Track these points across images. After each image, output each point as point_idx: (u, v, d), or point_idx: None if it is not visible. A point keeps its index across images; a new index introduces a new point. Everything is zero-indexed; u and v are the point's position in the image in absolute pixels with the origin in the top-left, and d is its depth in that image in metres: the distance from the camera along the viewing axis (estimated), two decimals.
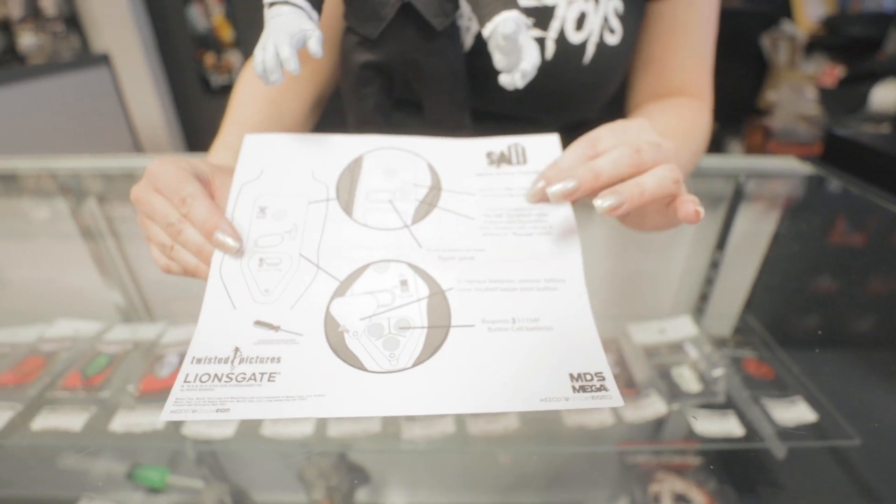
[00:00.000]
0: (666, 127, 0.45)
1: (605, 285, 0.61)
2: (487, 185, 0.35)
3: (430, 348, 0.27)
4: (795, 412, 0.47)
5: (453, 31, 0.38)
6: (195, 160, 0.35)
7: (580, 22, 0.46)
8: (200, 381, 0.26)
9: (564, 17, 0.46)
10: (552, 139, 0.37)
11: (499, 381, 0.26)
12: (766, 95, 2.33)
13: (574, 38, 0.46)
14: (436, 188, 0.35)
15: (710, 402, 0.48)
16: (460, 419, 0.46)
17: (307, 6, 0.31)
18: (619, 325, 0.54)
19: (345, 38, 0.39)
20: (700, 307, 0.58)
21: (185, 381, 0.26)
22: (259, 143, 0.36)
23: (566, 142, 0.60)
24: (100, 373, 0.53)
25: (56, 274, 0.64)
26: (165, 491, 0.44)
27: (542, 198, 0.32)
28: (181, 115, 2.59)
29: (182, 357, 0.55)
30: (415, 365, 0.27)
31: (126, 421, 0.47)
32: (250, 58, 0.41)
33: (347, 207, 0.34)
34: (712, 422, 0.46)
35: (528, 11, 0.46)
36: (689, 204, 0.29)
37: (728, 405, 0.48)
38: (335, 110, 0.49)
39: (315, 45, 0.30)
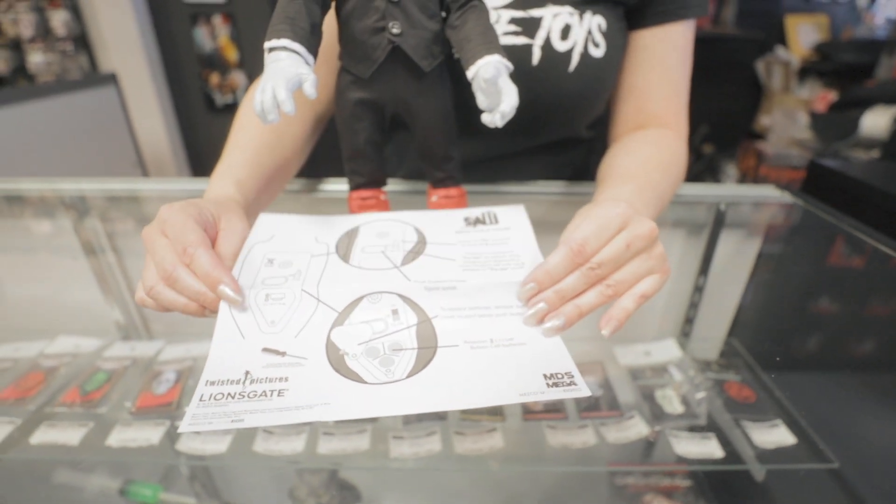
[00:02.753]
0: (647, 160, 0.48)
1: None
2: (466, 238, 0.40)
3: (421, 363, 0.31)
4: (776, 435, 0.48)
5: (441, 72, 0.41)
6: (204, 202, 0.37)
7: (565, 32, 0.49)
8: (215, 399, 0.28)
9: (550, 27, 0.49)
10: (520, 209, 0.43)
11: (482, 383, 0.29)
12: (761, 120, 2.37)
13: (559, 46, 0.50)
14: (421, 242, 0.40)
15: (693, 425, 0.50)
16: (447, 438, 0.47)
17: (304, 51, 0.33)
18: (604, 347, 0.56)
19: (340, 77, 0.41)
20: (684, 330, 0.59)
21: (200, 400, 0.28)
22: (271, 220, 0.41)
23: (556, 162, 0.63)
24: (98, 389, 0.54)
25: (58, 291, 0.66)
26: None
27: (531, 297, 0.34)
28: (185, 132, 2.64)
29: (179, 374, 0.57)
30: (408, 377, 0.30)
31: (122, 436, 0.49)
32: (255, 81, 0.44)
33: (345, 257, 0.38)
34: (694, 443, 0.47)
35: (517, 21, 0.49)
36: (609, 322, 0.33)
37: (710, 427, 0.49)
38: (331, 142, 0.52)
39: (310, 89, 0.32)
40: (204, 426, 0.27)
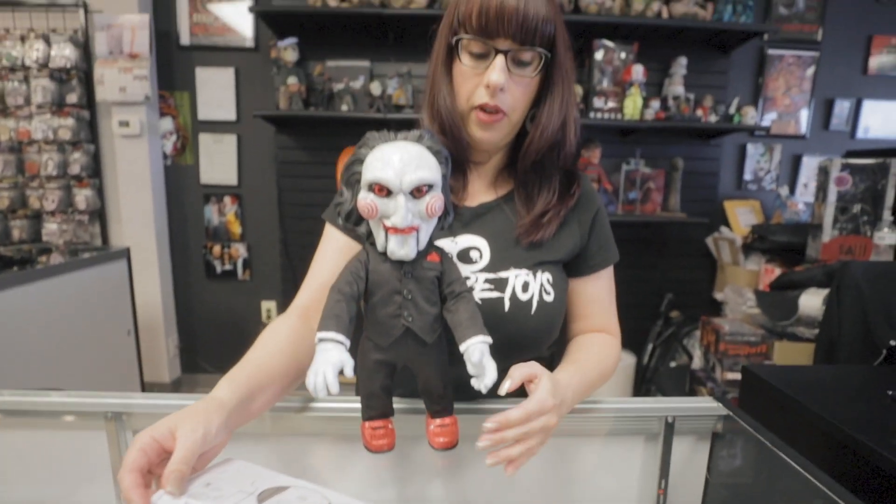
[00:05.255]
0: (588, 356, 0.70)
1: None
2: None
3: None
4: None
5: (440, 341, 0.54)
6: (170, 418, 0.45)
7: (525, 287, 0.67)
8: None
9: (514, 284, 0.67)
10: None
11: None
12: (716, 294, 2.62)
13: (522, 296, 0.66)
14: None
15: None
16: None
17: (345, 340, 0.46)
18: None
19: (363, 342, 0.54)
20: None
21: None
22: (232, 463, 0.48)
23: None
24: None
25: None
26: None
27: (490, 433, 0.50)
28: (180, 298, 2.76)
29: None
30: None
31: None
32: (277, 316, 0.57)
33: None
34: None
35: (490, 281, 0.66)
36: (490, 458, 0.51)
37: None
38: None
39: (349, 371, 0.44)
40: None
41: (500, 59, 0.60)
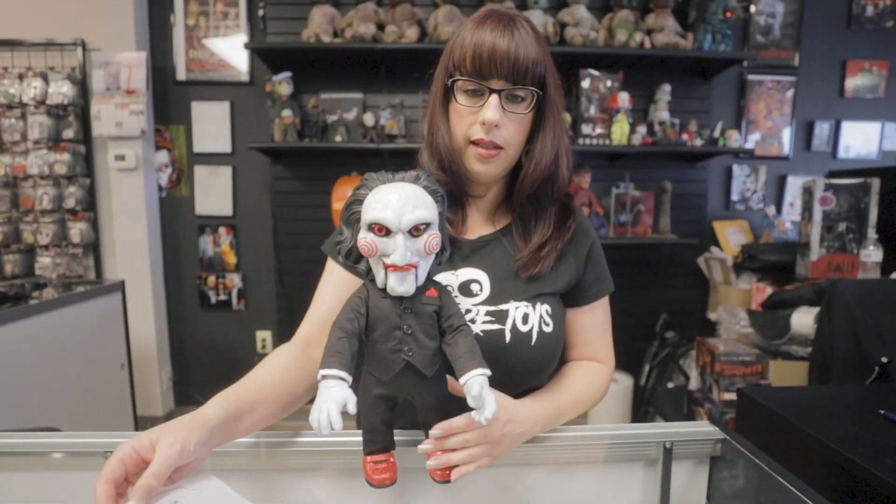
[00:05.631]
0: (563, 384, 0.73)
1: None
2: None
3: None
4: None
5: (439, 374, 0.55)
6: (154, 430, 0.48)
7: (525, 318, 0.68)
8: None
9: (514, 316, 0.68)
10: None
11: None
12: (710, 314, 2.64)
13: (522, 328, 0.68)
14: None
15: None
16: None
17: (347, 377, 0.47)
18: None
19: (365, 377, 0.55)
20: None
21: None
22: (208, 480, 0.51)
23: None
24: None
25: None
26: None
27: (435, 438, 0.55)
28: (174, 329, 2.74)
29: None
30: None
31: None
32: (280, 346, 0.61)
33: None
34: None
35: (490, 313, 0.67)
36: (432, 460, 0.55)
37: None
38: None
39: (351, 407, 0.45)
40: None
41: (494, 97, 0.64)
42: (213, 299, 2.71)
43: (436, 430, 0.55)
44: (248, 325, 2.74)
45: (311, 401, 0.48)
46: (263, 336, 2.75)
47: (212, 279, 2.69)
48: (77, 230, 2.60)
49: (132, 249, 2.58)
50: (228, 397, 0.56)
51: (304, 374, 0.66)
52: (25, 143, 2.53)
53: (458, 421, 0.55)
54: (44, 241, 2.60)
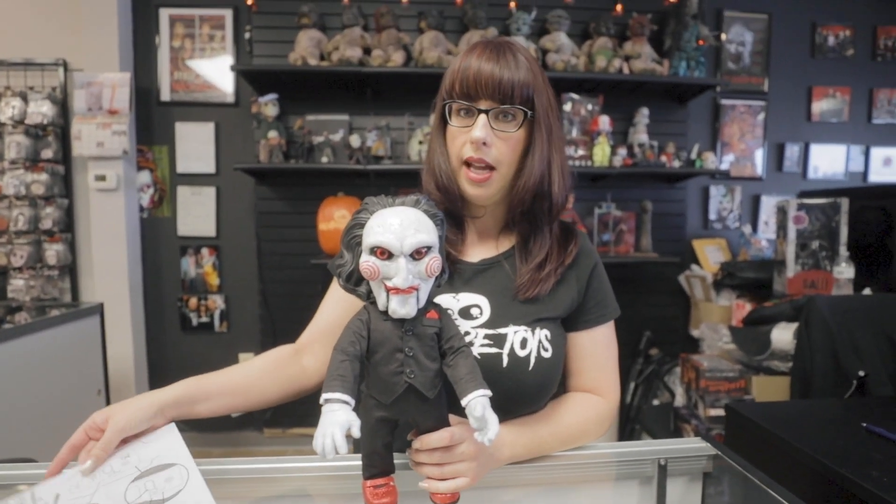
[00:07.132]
0: (549, 417, 0.71)
1: None
2: None
3: None
4: None
5: (441, 396, 0.55)
6: (109, 408, 0.58)
7: (523, 343, 0.68)
8: None
9: (513, 340, 0.68)
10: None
11: None
12: (692, 331, 2.69)
13: (520, 353, 0.68)
14: None
15: None
16: None
17: (350, 400, 0.47)
18: None
19: (366, 399, 0.55)
20: None
21: None
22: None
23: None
24: None
25: None
26: None
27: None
28: (153, 353, 2.67)
29: None
30: None
31: None
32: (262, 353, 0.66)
33: None
34: None
35: (489, 337, 0.67)
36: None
37: None
38: None
39: (356, 431, 0.45)
40: None
41: (482, 117, 0.67)
42: (195, 321, 2.65)
43: (416, 443, 0.56)
44: (231, 348, 2.69)
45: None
46: (246, 358, 2.69)
47: (193, 301, 2.64)
48: (53, 251, 2.54)
49: (111, 271, 2.52)
50: (190, 383, 0.66)
51: (281, 379, 0.72)
52: (1, 163, 2.48)
53: (437, 435, 0.56)
54: (17, 263, 2.52)
